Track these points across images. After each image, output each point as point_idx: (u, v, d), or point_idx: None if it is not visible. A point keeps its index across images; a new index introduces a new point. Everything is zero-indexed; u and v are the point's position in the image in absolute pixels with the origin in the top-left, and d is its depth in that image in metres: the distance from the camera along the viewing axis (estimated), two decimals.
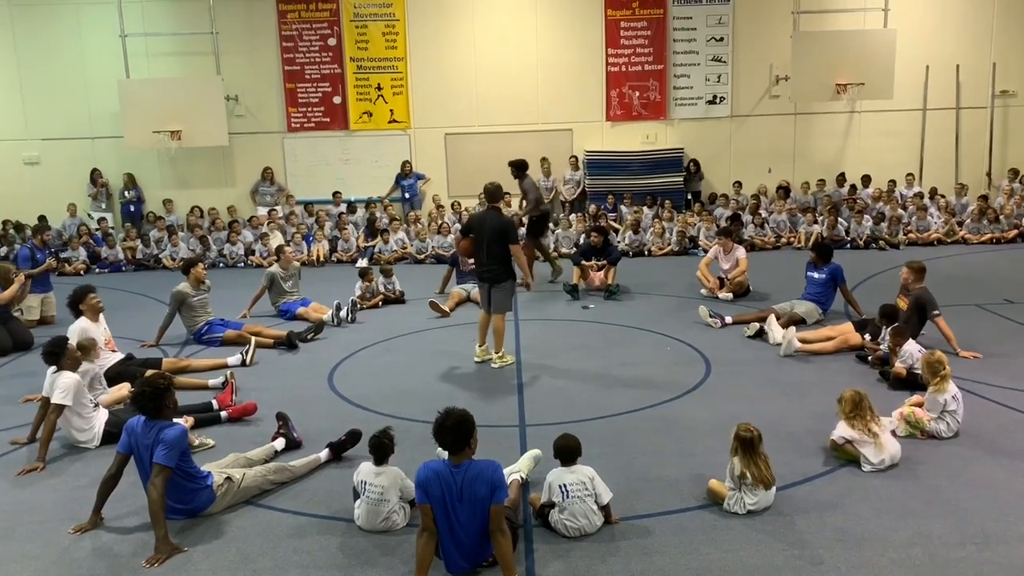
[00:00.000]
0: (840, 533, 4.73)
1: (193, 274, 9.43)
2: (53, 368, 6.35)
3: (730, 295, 10.92)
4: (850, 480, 5.40)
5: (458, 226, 14.67)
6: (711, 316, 9.59)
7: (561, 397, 7.29)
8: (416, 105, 17.29)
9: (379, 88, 17.22)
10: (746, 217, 15.72)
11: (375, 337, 9.57)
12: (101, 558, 4.72)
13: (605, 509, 4.87)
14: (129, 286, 13.44)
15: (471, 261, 9.28)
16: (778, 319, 9.09)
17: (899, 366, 7.15)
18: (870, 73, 15.86)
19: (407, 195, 17.13)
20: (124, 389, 7.06)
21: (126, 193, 17.01)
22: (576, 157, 17.21)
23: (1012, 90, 17.27)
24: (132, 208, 17.00)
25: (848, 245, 14.85)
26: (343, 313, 10.25)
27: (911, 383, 6.92)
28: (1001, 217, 15.33)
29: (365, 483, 4.92)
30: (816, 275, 9.73)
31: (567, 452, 4.93)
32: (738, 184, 17.12)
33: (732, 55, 17.17)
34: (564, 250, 14.97)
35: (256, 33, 16.97)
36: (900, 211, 15.68)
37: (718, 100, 17.35)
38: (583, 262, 11.78)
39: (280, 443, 6.10)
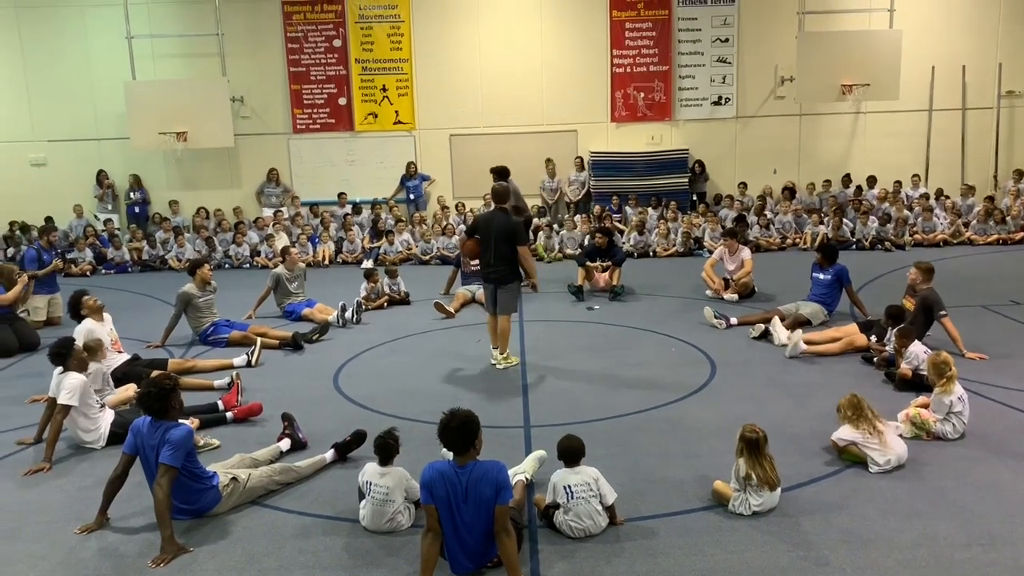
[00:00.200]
0: (846, 534, 4.72)
1: (199, 275, 9.45)
2: (60, 369, 6.37)
3: (735, 296, 10.91)
4: (856, 481, 5.39)
5: (463, 227, 14.69)
6: (716, 317, 9.58)
7: (566, 398, 7.29)
8: (421, 106, 17.32)
9: (384, 89, 17.25)
10: (751, 218, 15.71)
11: (380, 338, 9.58)
12: (107, 558, 4.73)
13: (610, 510, 4.87)
14: (135, 287, 13.48)
15: (474, 262, 9.29)
16: (783, 320, 9.08)
17: (905, 367, 7.13)
18: (876, 74, 15.84)
19: (412, 196, 17.15)
20: (130, 390, 7.08)
21: (132, 194, 17.07)
22: (581, 158, 17.21)
23: (1018, 90, 17.24)
24: (137, 209, 17.05)
25: (854, 246, 14.82)
26: (348, 314, 10.26)
27: (917, 384, 6.91)
28: (1007, 218, 15.29)
29: (370, 484, 4.93)
30: (821, 276, 9.72)
31: (570, 453, 4.93)
32: (743, 185, 17.10)
33: (737, 56, 17.16)
34: (569, 251, 14.98)
35: (261, 34, 17.02)
36: (906, 212, 15.64)
37: (723, 101, 17.34)
38: (588, 263, 11.78)
39: (285, 444, 6.11)
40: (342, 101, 17.28)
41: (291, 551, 4.75)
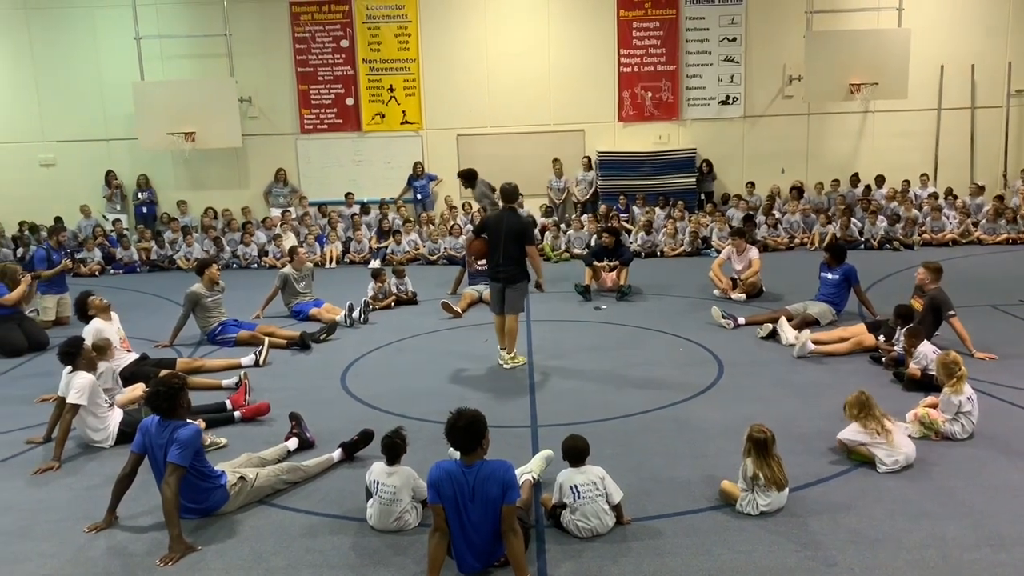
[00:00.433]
0: (854, 535, 4.70)
1: (207, 275, 9.48)
2: (69, 368, 6.40)
3: (743, 296, 10.88)
4: (864, 481, 5.38)
5: (470, 227, 14.70)
6: (724, 317, 9.56)
7: (573, 398, 7.29)
8: (428, 106, 17.33)
9: (391, 89, 17.27)
10: (759, 218, 15.67)
11: (387, 338, 9.60)
12: (116, 557, 4.75)
13: (617, 509, 4.86)
14: (143, 287, 13.53)
15: (481, 262, 9.28)
16: (791, 320, 9.06)
17: (913, 367, 7.11)
18: (884, 73, 15.78)
19: (419, 196, 17.16)
20: (139, 389, 7.10)
21: (140, 195, 17.13)
22: (588, 158, 17.20)
23: None
24: (145, 209, 17.11)
25: (862, 246, 14.77)
26: (356, 314, 10.28)
27: (925, 384, 6.88)
28: (1018, 217, 15.21)
29: (377, 483, 4.94)
30: (830, 276, 9.69)
31: (575, 453, 4.92)
32: (751, 184, 17.06)
33: (745, 55, 17.12)
34: (576, 251, 14.97)
35: (269, 35, 17.06)
36: (915, 212, 15.58)
37: (731, 100, 17.30)
38: (595, 263, 11.77)
39: (293, 443, 6.13)
40: (349, 101, 17.31)
41: (298, 550, 4.76)
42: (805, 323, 9.16)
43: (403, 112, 17.34)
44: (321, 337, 9.52)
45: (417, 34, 17.08)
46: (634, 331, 9.63)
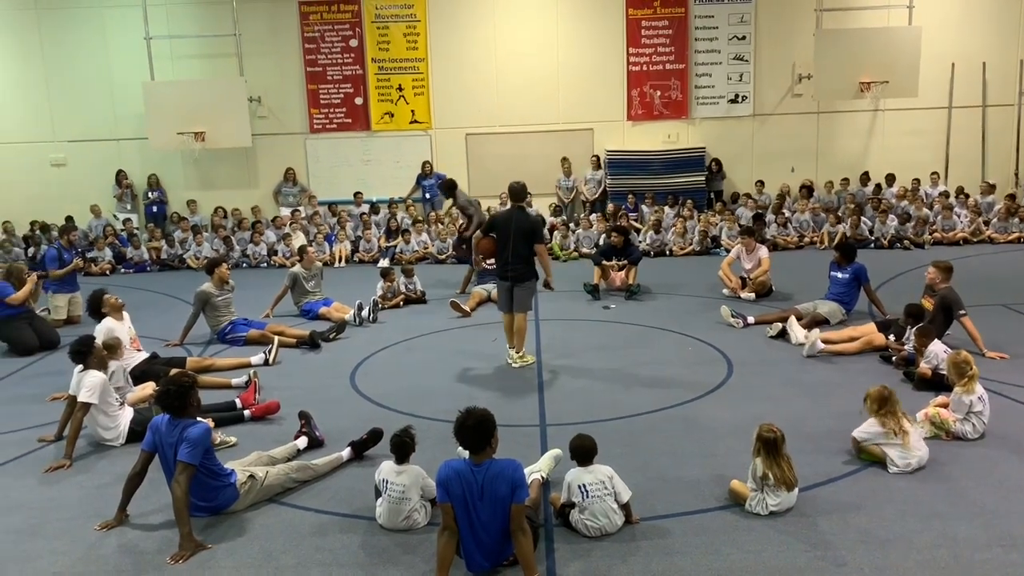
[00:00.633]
0: (864, 535, 4.69)
1: (217, 274, 9.51)
2: (80, 367, 6.43)
3: (752, 295, 10.86)
4: (874, 481, 5.36)
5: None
6: (733, 316, 9.54)
7: (582, 397, 7.29)
8: (437, 106, 17.34)
9: (400, 89, 17.29)
10: (769, 216, 15.63)
11: (396, 337, 9.61)
12: (127, 554, 4.78)
13: (625, 508, 4.86)
14: (154, 286, 13.59)
15: (489, 261, 9.28)
16: (800, 319, 9.03)
17: (924, 367, 7.08)
18: (894, 71, 15.72)
19: (428, 195, 17.17)
20: (149, 388, 7.12)
21: (149, 194, 17.20)
22: (597, 156, 17.19)
23: None
24: (155, 209, 17.18)
25: (872, 245, 14.71)
26: (365, 313, 10.30)
27: (936, 384, 6.85)
28: None
29: (386, 481, 4.95)
30: (839, 275, 9.66)
31: (583, 452, 4.92)
32: (761, 183, 17.01)
33: (754, 54, 17.08)
34: (585, 250, 14.96)
35: (279, 35, 17.10)
36: (925, 210, 15.51)
37: (740, 99, 17.26)
38: (604, 262, 11.76)
39: (303, 441, 6.14)
40: (358, 101, 17.34)
41: (308, 548, 4.77)
42: (815, 322, 9.13)
43: (412, 111, 17.36)
44: (330, 336, 9.54)
45: (426, 33, 17.10)
46: (643, 330, 9.62)
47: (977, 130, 17.20)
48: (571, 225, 15.86)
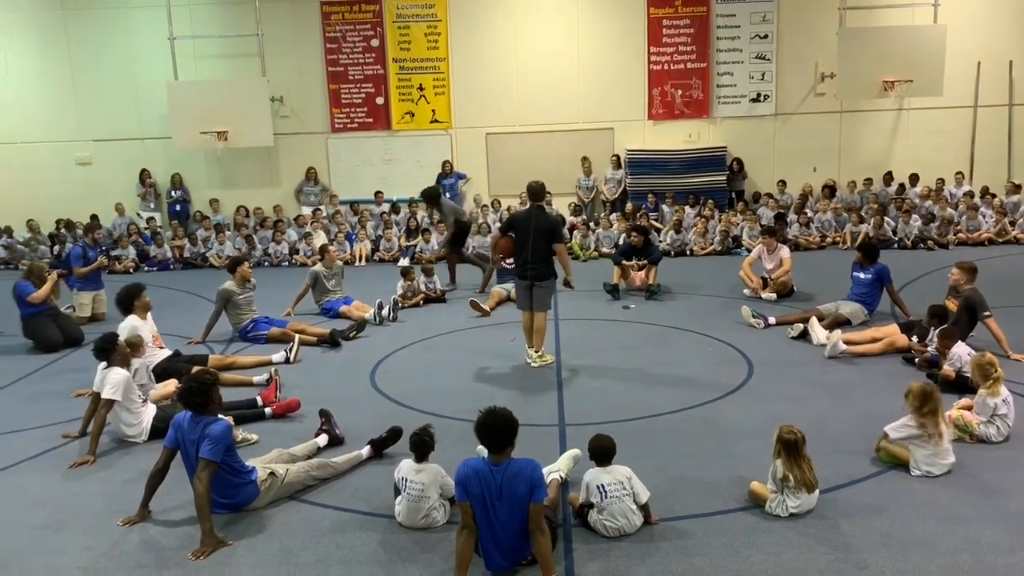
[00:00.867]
0: (886, 538, 4.64)
1: (239, 272, 9.58)
2: (104, 364, 6.49)
3: (774, 295, 10.79)
4: (896, 484, 5.31)
5: (498, 225, 14.70)
6: (754, 316, 9.49)
7: (601, 397, 7.27)
8: (457, 105, 17.37)
9: (421, 88, 17.33)
10: (791, 216, 15.52)
11: (416, 336, 9.64)
12: (149, 550, 4.82)
13: (644, 509, 4.85)
14: (176, 284, 13.71)
15: (508, 260, 9.29)
16: (822, 320, 8.97)
17: (948, 369, 7.00)
18: (919, 70, 15.55)
19: (448, 195, 17.19)
20: (171, 385, 7.19)
21: (173, 193, 17.36)
22: (617, 156, 17.14)
23: None
24: (179, 207, 17.33)
25: (895, 245, 14.58)
26: (385, 312, 10.34)
27: (960, 386, 6.77)
28: None
29: (406, 480, 4.97)
30: (862, 275, 9.57)
31: (601, 452, 4.91)
32: (782, 183, 16.90)
33: (776, 52, 16.96)
34: (605, 249, 14.93)
35: (301, 35, 17.20)
36: (950, 210, 15.34)
37: (762, 98, 17.15)
38: (624, 262, 11.73)
39: (323, 439, 6.18)
40: (379, 100, 17.40)
41: (328, 546, 4.80)
42: (836, 323, 9.06)
43: (432, 111, 17.40)
44: (351, 335, 9.59)
45: (447, 33, 17.13)
46: (663, 330, 9.58)
47: (1003, 129, 16.98)
48: (591, 224, 15.83)
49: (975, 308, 7.87)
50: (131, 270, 15.23)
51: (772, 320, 9.46)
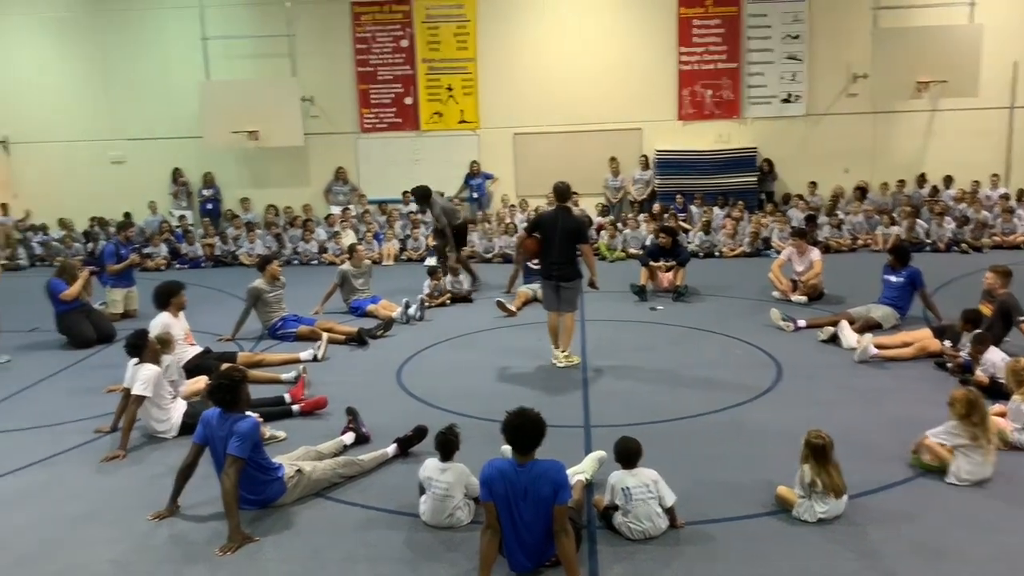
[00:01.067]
0: (916, 546, 4.58)
1: (268, 271, 9.67)
2: (135, 360, 6.58)
3: (803, 298, 10.68)
4: (927, 491, 5.23)
5: (524, 225, 14.70)
6: (784, 319, 9.40)
7: (627, 398, 7.25)
8: (485, 105, 17.40)
9: (450, 89, 17.38)
10: (822, 218, 15.36)
11: (442, 335, 9.67)
12: (177, 545, 4.88)
13: (670, 512, 4.82)
14: (207, 282, 13.85)
15: (533, 261, 9.29)
16: (853, 324, 8.86)
17: (980, 374, 6.89)
18: (954, 70, 15.29)
19: (475, 195, 17.25)
20: (201, 381, 7.26)
21: (204, 192, 17.57)
22: (646, 156, 17.07)
23: None
24: (210, 206, 17.53)
25: (928, 248, 14.37)
26: (412, 311, 10.38)
27: (994, 392, 6.64)
28: None
29: (431, 479, 4.98)
30: (893, 279, 9.45)
31: (627, 455, 4.89)
32: (813, 184, 16.73)
33: (808, 53, 16.79)
34: (632, 250, 14.87)
35: (331, 36, 17.32)
36: (984, 213, 15.09)
37: (793, 98, 16.99)
38: (651, 263, 11.67)
39: (349, 437, 6.22)
40: (408, 101, 17.48)
41: (353, 543, 4.82)
42: (867, 327, 8.95)
43: (461, 111, 17.44)
44: (378, 333, 9.64)
45: (475, 33, 17.16)
46: (690, 332, 9.53)
47: None
48: (618, 225, 15.77)
49: (1010, 313, 7.75)
50: (163, 267, 15.43)
51: (802, 323, 9.37)
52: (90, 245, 16.19)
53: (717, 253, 14.86)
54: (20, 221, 17.76)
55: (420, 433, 6.04)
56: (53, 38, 17.72)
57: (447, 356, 8.90)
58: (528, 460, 4.35)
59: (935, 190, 16.26)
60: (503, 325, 10.15)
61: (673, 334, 9.50)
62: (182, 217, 17.24)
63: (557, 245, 8.06)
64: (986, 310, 8.10)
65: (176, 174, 17.65)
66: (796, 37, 16.78)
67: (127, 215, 16.53)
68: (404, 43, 17.29)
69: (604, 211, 16.65)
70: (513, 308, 10.59)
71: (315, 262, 15.58)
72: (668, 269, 11.64)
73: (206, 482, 5.33)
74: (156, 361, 6.64)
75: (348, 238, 15.35)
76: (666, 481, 4.84)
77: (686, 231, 15.34)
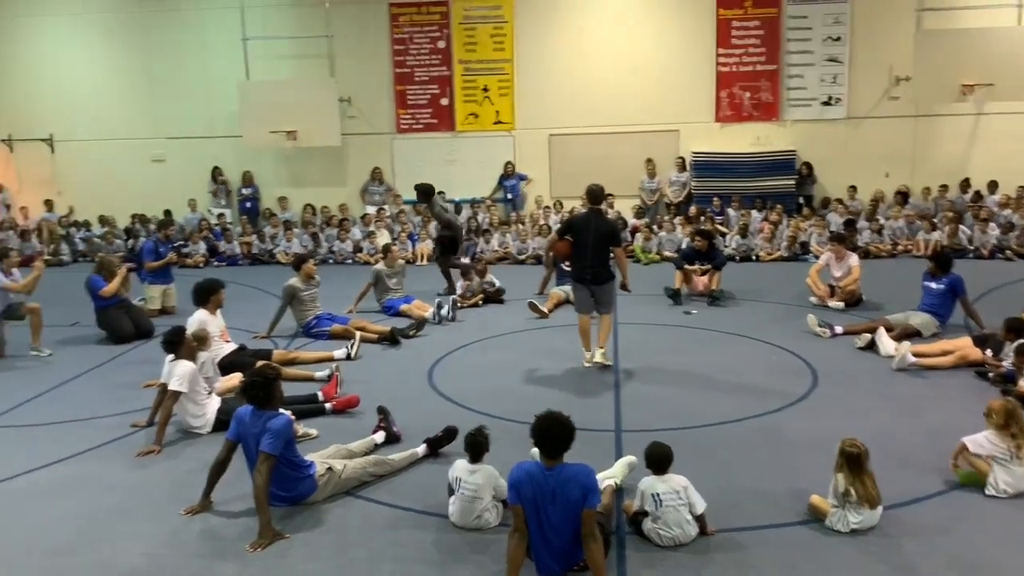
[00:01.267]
0: (952, 559, 4.48)
1: (304, 269, 9.76)
2: (171, 356, 6.68)
3: (841, 304, 10.52)
4: (965, 503, 5.12)
5: (557, 226, 14.68)
6: (820, 325, 9.26)
7: (659, 403, 7.19)
8: (521, 106, 17.39)
9: (486, 90, 17.40)
10: (862, 223, 15.12)
11: (474, 336, 9.68)
12: (208, 540, 4.94)
13: (700, 519, 4.77)
14: (244, 279, 14.00)
15: (565, 263, 9.27)
16: (891, 331, 8.70)
17: (1023, 385, 6.73)
18: (1000, 73, 14.96)
19: (509, 196, 17.25)
20: (236, 378, 7.33)
21: (243, 190, 17.79)
22: (683, 158, 16.94)
23: None
24: (248, 205, 17.75)
25: (971, 255, 14.08)
26: (444, 311, 10.41)
27: None
28: None
29: (459, 480, 4.98)
30: (934, 285, 9.27)
31: (658, 460, 4.85)
32: (853, 188, 16.49)
33: (849, 55, 16.55)
34: (667, 253, 14.77)
35: (369, 37, 17.43)
36: None
37: (833, 101, 16.75)
38: (686, 266, 11.58)
39: (380, 436, 6.24)
40: (444, 102, 17.53)
41: (381, 543, 4.84)
42: (906, 334, 8.79)
43: (496, 112, 17.45)
44: (410, 333, 9.68)
45: (512, 34, 17.16)
46: (725, 337, 9.43)
47: None
48: (654, 228, 15.67)
49: None
50: (201, 265, 15.64)
51: (839, 330, 9.23)
52: (131, 242, 16.46)
53: (754, 257, 14.70)
54: (64, 217, 18.12)
55: (450, 434, 6.05)
56: (98, 38, 18.07)
57: (478, 357, 8.91)
58: (557, 464, 4.33)
59: (978, 195, 15.93)
60: (535, 327, 10.14)
61: (707, 339, 9.42)
62: (221, 215, 17.47)
63: (591, 248, 8.04)
64: None
65: (216, 173, 17.90)
66: (837, 39, 16.55)
67: (167, 213, 16.81)
68: (441, 44, 17.35)
69: (640, 213, 16.55)
70: (545, 309, 10.57)
71: (350, 261, 15.69)
72: (703, 273, 11.54)
73: (239, 478, 5.38)
74: (192, 357, 6.73)
75: (383, 238, 15.45)
76: (697, 488, 4.79)
77: (723, 234, 15.19)
